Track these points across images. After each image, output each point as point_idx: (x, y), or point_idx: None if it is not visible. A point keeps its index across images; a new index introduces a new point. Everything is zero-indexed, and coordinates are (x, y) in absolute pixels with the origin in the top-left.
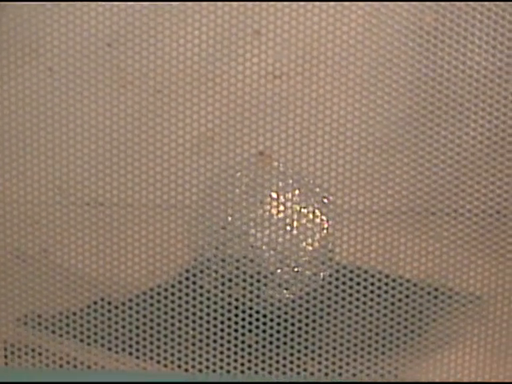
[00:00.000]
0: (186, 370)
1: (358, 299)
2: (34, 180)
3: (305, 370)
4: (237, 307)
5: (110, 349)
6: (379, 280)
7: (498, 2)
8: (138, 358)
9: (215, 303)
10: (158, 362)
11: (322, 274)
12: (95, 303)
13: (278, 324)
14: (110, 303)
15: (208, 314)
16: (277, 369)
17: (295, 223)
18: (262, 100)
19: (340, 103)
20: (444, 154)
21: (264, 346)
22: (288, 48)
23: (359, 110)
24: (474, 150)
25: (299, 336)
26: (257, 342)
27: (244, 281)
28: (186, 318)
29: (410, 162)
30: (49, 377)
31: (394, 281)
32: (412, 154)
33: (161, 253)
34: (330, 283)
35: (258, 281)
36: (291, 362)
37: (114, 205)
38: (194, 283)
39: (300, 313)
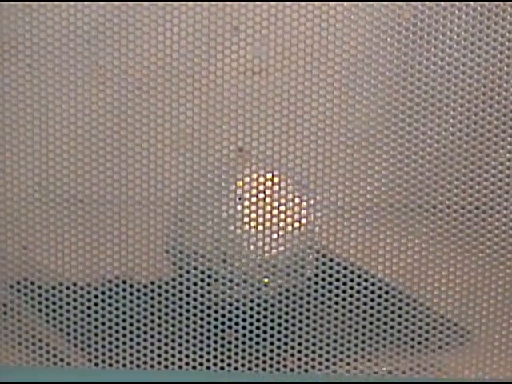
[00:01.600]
0: (166, 367)
1: (337, 295)
2: (14, 177)
3: (283, 365)
4: (216, 304)
5: (89, 345)
6: (359, 276)
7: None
8: (117, 354)
9: (195, 300)
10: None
11: (302, 270)
12: (75, 300)
13: (258, 320)
14: (90, 300)
15: (188, 311)
16: (257, 365)
17: (275, 219)
18: (241, 96)
19: (319, 99)
20: (423, 150)
21: (244, 343)
22: (267, 44)
23: (338, 106)
24: (454, 146)
25: (280, 332)
26: (237, 339)
27: (223, 277)
28: (166, 314)
29: (389, 158)
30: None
31: (373, 277)
32: (391, 150)
33: (140, 249)
34: (309, 279)
35: (239, 277)
36: (271, 358)
37: (93, 201)
38: (174, 280)
39: (280, 309)
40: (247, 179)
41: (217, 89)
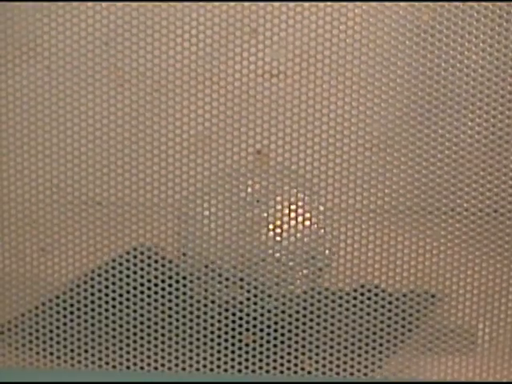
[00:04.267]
0: (184, 369)
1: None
2: (32, 179)
3: (301, 368)
4: (234, 306)
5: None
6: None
7: (495, 1)
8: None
9: (213, 302)
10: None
11: (314, 275)
12: (92, 302)
13: (276, 323)
14: (107, 302)
15: (205, 313)
16: (274, 367)
17: (293, 222)
18: (259, 99)
19: (337, 102)
20: (441, 153)
21: (261, 345)
22: (285, 47)
23: (356, 109)
24: (472, 149)
25: (291, 335)
26: (254, 341)
27: (241, 280)
28: (184, 317)
29: (407, 161)
30: (46, 377)
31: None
32: (409, 153)
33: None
34: (324, 282)
35: (256, 279)
36: (287, 361)
37: (111, 204)
38: (191, 282)
39: (297, 312)
40: (265, 182)
41: (235, 91)
